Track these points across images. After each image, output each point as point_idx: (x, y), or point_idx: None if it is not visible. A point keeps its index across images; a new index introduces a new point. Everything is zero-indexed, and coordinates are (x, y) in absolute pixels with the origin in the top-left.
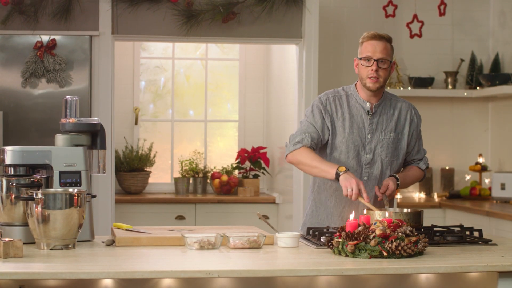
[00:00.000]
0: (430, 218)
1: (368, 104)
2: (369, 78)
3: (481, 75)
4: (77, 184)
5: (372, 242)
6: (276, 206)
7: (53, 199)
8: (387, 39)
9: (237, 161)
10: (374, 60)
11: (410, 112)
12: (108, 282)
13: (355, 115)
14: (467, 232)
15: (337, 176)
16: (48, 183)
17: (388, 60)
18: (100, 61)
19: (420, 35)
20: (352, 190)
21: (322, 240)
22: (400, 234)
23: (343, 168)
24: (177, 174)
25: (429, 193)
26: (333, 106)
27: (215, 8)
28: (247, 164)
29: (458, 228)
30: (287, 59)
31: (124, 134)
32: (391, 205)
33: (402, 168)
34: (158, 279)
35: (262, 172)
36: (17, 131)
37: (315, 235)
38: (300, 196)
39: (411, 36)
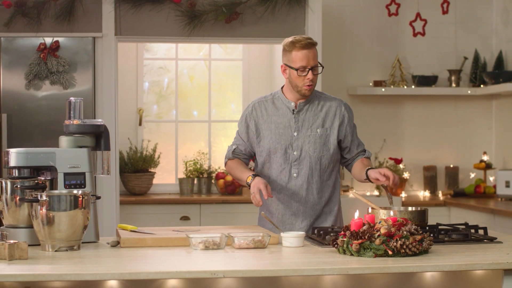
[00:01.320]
0: (435, 217)
1: (293, 103)
2: (305, 86)
3: (485, 73)
4: (81, 185)
5: (377, 241)
6: None
7: (57, 200)
8: (315, 44)
9: None
10: (309, 69)
11: (340, 108)
12: (113, 283)
13: (281, 115)
14: (472, 230)
15: (249, 187)
16: (53, 185)
17: (319, 65)
18: (103, 63)
19: (423, 34)
20: (253, 193)
21: (327, 239)
22: (405, 232)
23: (250, 178)
24: (181, 175)
25: (433, 192)
26: (258, 111)
27: (218, 8)
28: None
29: (463, 226)
30: None
31: (128, 135)
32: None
33: (341, 166)
34: (163, 279)
35: None
36: (21, 133)
37: (320, 235)
38: None
39: (414, 35)
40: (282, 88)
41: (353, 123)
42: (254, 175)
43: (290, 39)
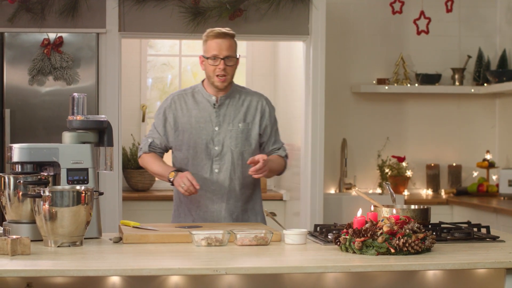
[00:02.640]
0: (438, 215)
1: (214, 98)
2: (217, 76)
3: (488, 71)
4: (84, 181)
5: (380, 239)
6: (283, 203)
7: (60, 196)
8: (231, 36)
9: None
10: (221, 59)
11: (261, 103)
12: (115, 279)
13: (201, 110)
14: (475, 229)
15: (171, 183)
16: (56, 180)
17: (234, 57)
18: (107, 59)
19: (427, 32)
20: (185, 184)
21: (329, 237)
22: (407, 231)
23: (173, 174)
24: None
25: (436, 190)
26: (178, 105)
27: (222, 5)
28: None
29: (466, 225)
30: (294, 56)
31: (131, 132)
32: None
33: None
34: (165, 276)
35: None
36: (24, 129)
37: (323, 232)
38: (307, 193)
39: (418, 33)
40: (202, 81)
41: (274, 118)
42: (176, 171)
43: (208, 30)
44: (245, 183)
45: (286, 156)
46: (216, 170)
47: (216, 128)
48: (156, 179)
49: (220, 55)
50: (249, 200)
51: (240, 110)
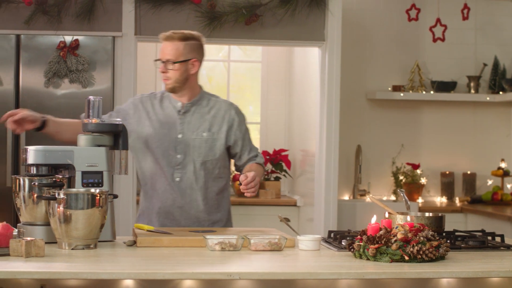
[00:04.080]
0: (452, 223)
1: (179, 104)
2: (162, 79)
3: (504, 79)
4: (99, 184)
5: (394, 246)
6: (297, 208)
7: (75, 199)
8: (180, 38)
9: None
10: (162, 62)
11: (230, 113)
12: (129, 282)
13: (167, 115)
14: (489, 237)
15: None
16: (70, 183)
17: (176, 62)
18: (122, 62)
19: (443, 39)
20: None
21: (343, 243)
22: (421, 238)
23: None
24: None
25: (450, 198)
26: (146, 104)
27: (238, 10)
28: (269, 167)
29: (480, 233)
30: (310, 62)
31: None
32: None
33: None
34: (179, 280)
35: (284, 175)
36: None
37: (336, 238)
38: (321, 199)
39: (434, 40)
40: None
41: (244, 127)
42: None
43: None
44: (207, 194)
45: (264, 163)
46: (177, 179)
47: (180, 136)
48: None
49: (163, 58)
50: (213, 212)
51: (205, 118)
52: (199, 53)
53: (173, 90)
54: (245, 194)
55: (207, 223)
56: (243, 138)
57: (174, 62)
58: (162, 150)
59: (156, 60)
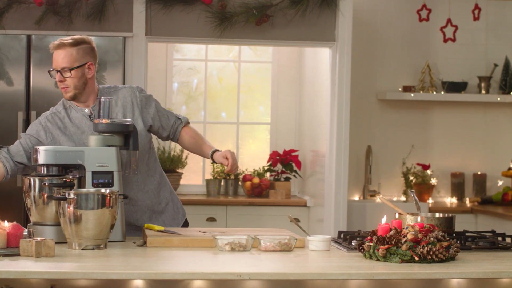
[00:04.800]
0: (462, 224)
1: (87, 110)
2: (61, 88)
3: None
4: (109, 184)
5: (404, 247)
6: (307, 209)
7: (85, 199)
8: (72, 44)
9: (268, 163)
10: (58, 71)
11: (134, 95)
12: (139, 282)
13: (79, 125)
14: (499, 238)
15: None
16: (81, 183)
17: (72, 68)
18: (133, 62)
19: (454, 40)
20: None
21: (353, 243)
22: (431, 239)
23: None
24: (208, 176)
25: (461, 198)
26: (53, 124)
27: (249, 10)
28: (279, 167)
29: (490, 234)
30: (320, 62)
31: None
32: None
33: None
34: (189, 280)
35: (294, 175)
36: None
37: (346, 239)
38: (331, 200)
39: (445, 41)
40: None
41: (153, 102)
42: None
43: None
44: (146, 183)
45: (188, 122)
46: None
47: None
48: (181, 182)
49: (57, 67)
50: (157, 202)
51: (115, 111)
52: (93, 56)
53: (74, 98)
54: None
55: (152, 214)
56: (157, 110)
57: (71, 69)
58: None
59: (50, 71)
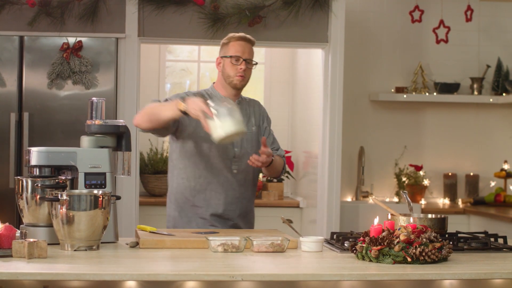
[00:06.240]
0: (455, 224)
1: (230, 100)
2: (237, 76)
3: (507, 81)
4: (102, 185)
5: (396, 248)
6: (300, 210)
7: (77, 200)
8: (253, 43)
9: None
10: (243, 60)
11: (260, 108)
12: (131, 284)
13: None
14: (492, 239)
15: (184, 112)
16: (73, 184)
17: (253, 62)
18: (126, 64)
19: (446, 41)
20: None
21: (346, 244)
22: (424, 240)
23: (182, 105)
24: None
25: (453, 199)
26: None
27: (241, 11)
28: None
29: (483, 235)
30: (313, 63)
31: (149, 137)
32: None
33: None
34: (181, 281)
35: (287, 176)
36: (42, 132)
37: (339, 240)
38: (324, 201)
39: (437, 42)
40: (213, 85)
41: (270, 120)
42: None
43: (230, 34)
44: (254, 185)
45: (285, 157)
46: (235, 171)
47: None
48: None
49: (243, 56)
50: (250, 202)
51: (250, 115)
52: None
53: (242, 88)
54: (252, 163)
55: (248, 213)
56: (269, 131)
57: (254, 63)
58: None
59: (232, 57)
